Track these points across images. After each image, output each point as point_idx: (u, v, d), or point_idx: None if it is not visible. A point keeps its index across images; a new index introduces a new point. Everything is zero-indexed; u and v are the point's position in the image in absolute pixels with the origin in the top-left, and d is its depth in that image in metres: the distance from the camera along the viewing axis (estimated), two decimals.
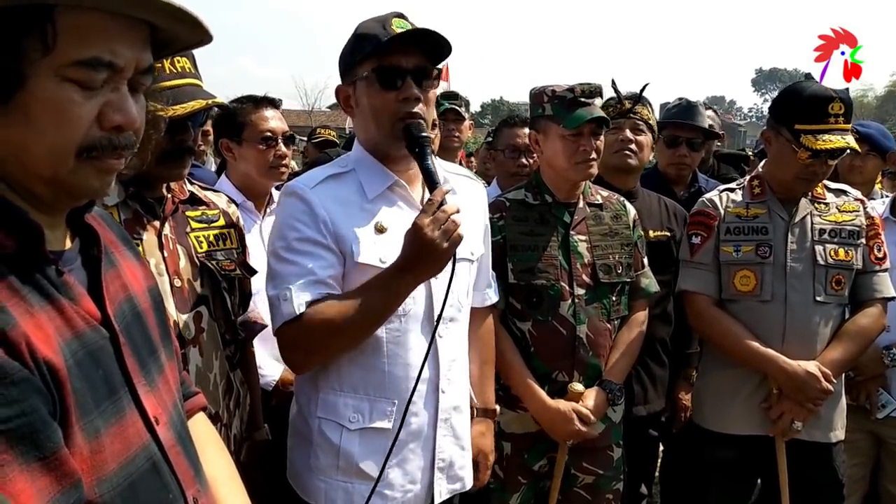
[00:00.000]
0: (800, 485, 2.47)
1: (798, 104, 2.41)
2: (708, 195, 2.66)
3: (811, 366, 2.37)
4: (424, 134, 1.73)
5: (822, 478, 2.52)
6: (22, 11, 0.79)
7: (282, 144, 2.67)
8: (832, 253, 2.45)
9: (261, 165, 2.65)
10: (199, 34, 0.95)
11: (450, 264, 1.65)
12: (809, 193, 2.52)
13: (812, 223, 2.48)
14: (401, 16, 1.77)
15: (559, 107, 2.36)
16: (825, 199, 2.54)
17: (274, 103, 2.77)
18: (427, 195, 1.69)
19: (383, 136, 1.79)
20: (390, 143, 1.79)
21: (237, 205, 2.14)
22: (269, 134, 2.64)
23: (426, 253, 1.60)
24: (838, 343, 2.44)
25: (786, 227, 2.48)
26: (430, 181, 1.69)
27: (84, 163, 0.86)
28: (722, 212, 2.56)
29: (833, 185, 2.62)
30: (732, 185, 2.66)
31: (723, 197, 2.60)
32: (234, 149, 2.67)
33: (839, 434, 2.53)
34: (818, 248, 2.45)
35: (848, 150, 2.41)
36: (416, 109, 1.74)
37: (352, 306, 1.67)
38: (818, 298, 2.42)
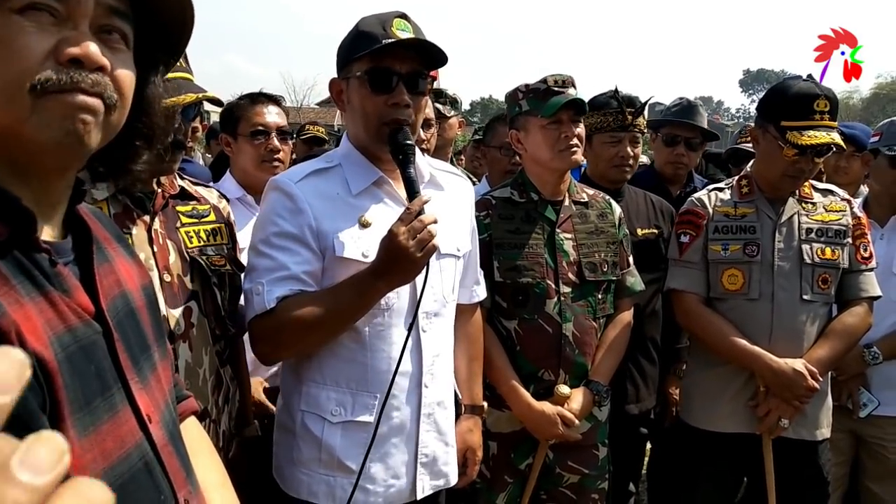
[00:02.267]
0: (786, 482, 2.49)
1: (784, 101, 2.43)
2: (697, 194, 2.69)
3: (798, 363, 2.39)
4: (409, 142, 1.74)
5: (809, 476, 2.54)
6: None
7: (275, 139, 2.72)
8: (819, 252, 2.47)
9: (254, 159, 2.71)
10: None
11: (423, 271, 1.66)
12: (797, 193, 2.55)
13: (799, 222, 2.50)
14: (403, 16, 1.78)
15: (534, 99, 2.38)
16: (812, 198, 2.56)
17: (273, 99, 2.84)
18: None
19: (369, 137, 1.82)
20: (376, 145, 1.81)
21: (228, 200, 2.13)
22: (260, 127, 2.71)
23: (399, 261, 1.61)
24: (825, 341, 2.46)
25: (773, 227, 2.49)
26: (410, 189, 1.69)
27: (42, 100, 0.80)
28: (710, 211, 2.57)
29: (820, 185, 2.64)
30: (721, 184, 2.69)
31: (711, 196, 2.62)
32: (231, 143, 2.77)
33: (825, 432, 2.55)
34: (805, 247, 2.47)
35: (834, 149, 2.44)
36: (404, 116, 1.76)
37: (322, 305, 1.68)
38: (805, 297, 2.44)
